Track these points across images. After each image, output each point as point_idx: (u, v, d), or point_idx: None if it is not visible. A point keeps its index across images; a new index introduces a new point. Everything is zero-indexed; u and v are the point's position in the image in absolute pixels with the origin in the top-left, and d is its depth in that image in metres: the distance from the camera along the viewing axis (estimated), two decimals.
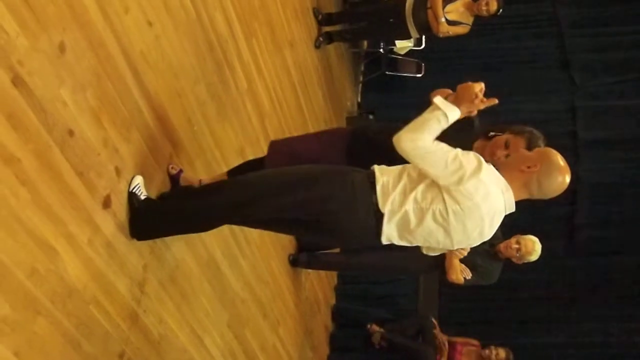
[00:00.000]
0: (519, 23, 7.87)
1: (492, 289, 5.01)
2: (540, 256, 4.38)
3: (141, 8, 2.94)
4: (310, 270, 5.37)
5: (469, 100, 2.49)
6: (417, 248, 4.50)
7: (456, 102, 2.48)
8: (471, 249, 4.44)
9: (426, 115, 2.45)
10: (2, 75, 2.01)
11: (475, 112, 2.58)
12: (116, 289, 2.58)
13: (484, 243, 4.40)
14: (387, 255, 4.83)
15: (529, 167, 2.54)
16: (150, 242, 2.86)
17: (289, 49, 5.27)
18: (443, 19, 5.60)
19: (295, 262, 4.99)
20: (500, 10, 5.61)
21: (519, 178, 2.55)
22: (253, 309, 4.12)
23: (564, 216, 7.23)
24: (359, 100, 8.16)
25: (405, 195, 2.51)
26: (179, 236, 3.13)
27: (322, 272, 5.82)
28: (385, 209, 2.52)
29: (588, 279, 7.00)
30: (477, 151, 2.92)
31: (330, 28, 6.39)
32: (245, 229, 4.02)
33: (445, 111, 2.43)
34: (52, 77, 2.25)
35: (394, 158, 2.53)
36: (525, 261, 4.34)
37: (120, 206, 2.64)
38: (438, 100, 2.46)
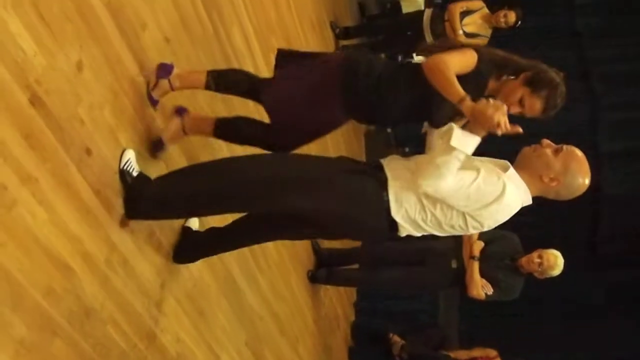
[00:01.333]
0: (537, 34, 7.81)
1: (512, 303, 4.93)
2: (562, 270, 4.32)
3: (158, 24, 2.93)
4: (329, 286, 5.33)
5: (488, 127, 2.36)
6: (438, 264, 4.44)
7: (476, 127, 2.39)
8: (493, 264, 4.40)
9: (444, 156, 2.37)
10: (19, 95, 2.00)
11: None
12: (133, 308, 2.56)
13: (504, 258, 4.41)
14: (406, 271, 4.78)
15: (551, 179, 2.52)
16: (167, 260, 2.84)
17: None
18: (461, 32, 5.57)
19: (314, 278, 4.95)
20: (519, 22, 5.58)
21: (538, 185, 2.55)
22: (271, 326, 4.08)
23: (585, 229, 7.15)
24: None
25: (422, 209, 2.48)
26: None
27: (341, 288, 5.77)
28: (399, 216, 2.49)
29: (610, 293, 6.90)
30: (490, 92, 2.75)
31: (348, 41, 6.38)
32: (263, 245, 3.99)
33: (465, 150, 2.36)
34: (69, 95, 2.24)
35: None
36: (548, 276, 4.28)
37: (138, 224, 2.62)
38: (455, 140, 2.34)
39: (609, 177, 7.05)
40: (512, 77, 2.73)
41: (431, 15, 5.78)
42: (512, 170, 2.53)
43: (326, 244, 5.30)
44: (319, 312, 5.20)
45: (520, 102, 2.68)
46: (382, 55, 7.68)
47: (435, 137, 2.52)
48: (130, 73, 2.67)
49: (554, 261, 4.24)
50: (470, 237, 4.54)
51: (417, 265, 4.76)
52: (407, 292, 6.11)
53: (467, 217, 2.47)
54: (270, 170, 2.55)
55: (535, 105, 2.67)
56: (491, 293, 4.31)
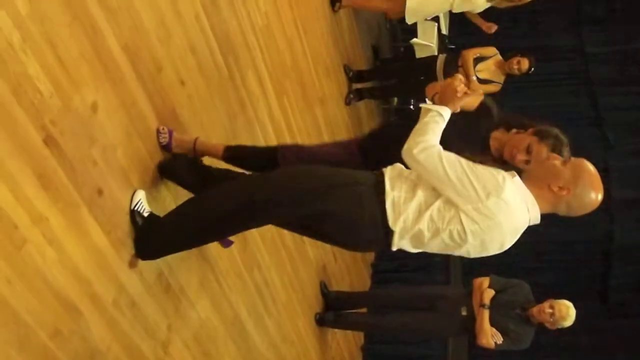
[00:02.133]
0: (550, 81, 7.86)
1: (522, 352, 4.86)
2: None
3: (174, 67, 2.97)
4: (336, 330, 5.28)
5: (451, 98, 2.43)
6: (447, 311, 4.39)
7: (442, 102, 2.44)
8: (504, 313, 4.35)
9: (422, 120, 2.40)
10: (34, 135, 2.03)
11: (474, 105, 2.59)
12: (140, 350, 2.54)
13: (515, 307, 4.35)
14: (416, 317, 4.73)
15: (560, 188, 2.39)
16: (175, 301, 2.83)
17: (320, 106, 5.30)
18: (474, 78, 5.59)
19: (322, 321, 4.90)
20: (532, 68, 5.59)
21: (547, 197, 2.41)
22: None
23: (597, 278, 7.09)
24: None
25: (420, 213, 2.38)
26: (205, 295, 3.11)
27: (349, 332, 5.71)
28: (397, 227, 2.40)
29: (622, 343, 6.80)
30: (494, 142, 2.86)
31: (361, 85, 6.43)
32: (271, 286, 3.98)
33: (438, 110, 2.39)
34: (83, 136, 2.26)
35: None
36: (559, 327, 4.22)
37: (147, 265, 2.62)
38: (424, 105, 2.44)
39: (621, 225, 7.01)
40: (521, 130, 2.81)
41: (445, 60, 5.81)
42: (518, 178, 2.42)
43: (335, 286, 5.27)
44: (326, 355, 5.14)
45: (528, 149, 2.71)
46: (395, 100, 7.78)
47: None
48: (145, 115, 2.69)
49: (566, 312, 4.18)
50: (480, 284, 4.50)
51: (426, 311, 4.71)
52: (415, 338, 6.03)
53: (462, 217, 2.33)
54: (276, 182, 2.56)
55: (542, 152, 2.67)
56: (501, 342, 4.25)
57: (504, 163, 2.77)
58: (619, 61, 7.92)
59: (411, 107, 7.55)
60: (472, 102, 2.92)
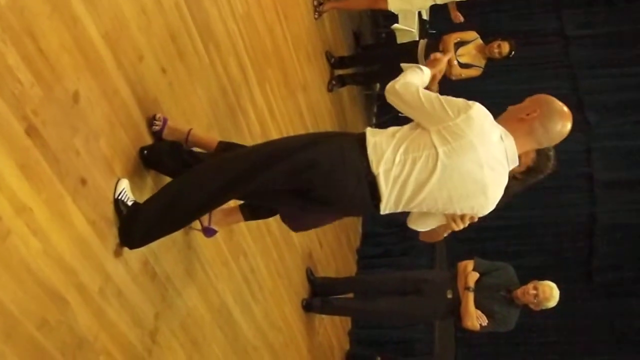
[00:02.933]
0: (531, 65, 7.89)
1: (509, 333, 4.92)
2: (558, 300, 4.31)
3: (155, 55, 2.96)
4: (323, 315, 5.30)
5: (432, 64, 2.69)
6: (433, 294, 4.42)
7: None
8: (488, 295, 4.39)
9: (405, 71, 2.60)
10: (16, 126, 2.02)
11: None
12: (127, 339, 2.55)
13: (499, 289, 4.39)
14: (402, 301, 4.77)
15: (528, 115, 2.43)
16: (161, 290, 2.84)
17: (302, 92, 5.30)
18: (455, 62, 5.61)
19: (308, 307, 4.92)
20: (513, 52, 5.63)
21: (521, 127, 2.44)
22: (266, 356, 4.05)
23: (581, 258, 7.16)
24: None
25: (397, 148, 2.42)
26: (191, 283, 3.11)
27: (336, 317, 5.74)
28: (380, 169, 2.41)
29: (606, 322, 6.89)
30: None
31: (343, 71, 6.43)
32: (257, 273, 3.99)
33: (418, 66, 2.61)
34: (65, 126, 2.26)
35: None
36: (543, 307, 4.27)
37: (132, 253, 2.62)
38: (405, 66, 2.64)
39: (604, 206, 7.08)
40: None
41: (426, 45, 5.82)
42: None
43: (321, 272, 5.30)
44: (314, 341, 5.17)
45: None
46: (377, 86, 7.79)
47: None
48: (127, 104, 2.68)
49: (550, 293, 4.24)
50: (465, 267, 4.54)
51: (412, 295, 4.75)
52: (402, 322, 6.08)
53: (434, 137, 2.37)
54: (263, 149, 2.65)
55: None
56: (486, 324, 4.30)
57: None
58: (599, 44, 7.96)
59: None
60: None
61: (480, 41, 5.69)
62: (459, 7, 6.11)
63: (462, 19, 6.09)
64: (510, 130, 2.43)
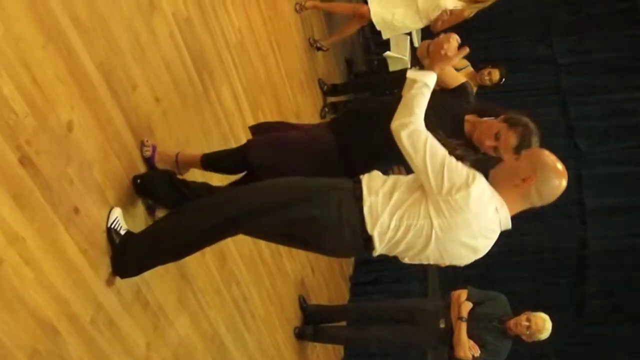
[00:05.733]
0: (522, 92, 7.94)
1: None
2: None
3: (149, 84, 2.98)
4: (316, 343, 5.28)
5: (440, 58, 2.50)
6: (426, 323, 4.40)
7: (431, 63, 2.49)
8: (481, 325, 4.39)
9: (408, 94, 2.44)
10: (9, 155, 2.02)
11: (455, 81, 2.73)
12: None
13: (492, 320, 4.38)
14: (394, 329, 4.74)
15: (524, 181, 2.40)
16: (154, 319, 2.82)
17: (295, 119, 5.32)
18: None
19: (301, 335, 4.90)
20: (503, 79, 5.67)
21: (515, 192, 2.42)
22: None
23: (572, 285, 7.16)
24: None
25: (393, 214, 2.41)
26: (184, 311, 3.10)
27: (329, 345, 5.71)
28: (375, 231, 2.42)
29: (599, 349, 6.87)
30: (467, 125, 2.89)
31: (336, 98, 6.47)
32: (250, 301, 3.98)
33: (424, 81, 2.44)
34: (59, 155, 2.26)
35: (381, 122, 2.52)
36: (535, 339, 4.26)
37: (124, 283, 2.61)
38: (410, 73, 2.47)
39: (595, 233, 7.10)
40: (492, 118, 2.84)
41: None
42: (485, 180, 2.43)
43: (313, 300, 5.28)
44: None
45: (496, 136, 2.74)
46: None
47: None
48: (120, 133, 2.70)
49: (542, 325, 4.22)
50: (458, 297, 4.54)
51: (405, 323, 4.73)
52: (394, 351, 6.05)
53: (431, 209, 2.36)
54: (256, 194, 2.58)
55: (509, 139, 2.71)
56: (478, 355, 4.28)
57: (474, 148, 2.81)
58: (590, 71, 8.04)
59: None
60: (454, 77, 2.98)
61: (471, 69, 5.74)
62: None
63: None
64: (504, 194, 2.42)
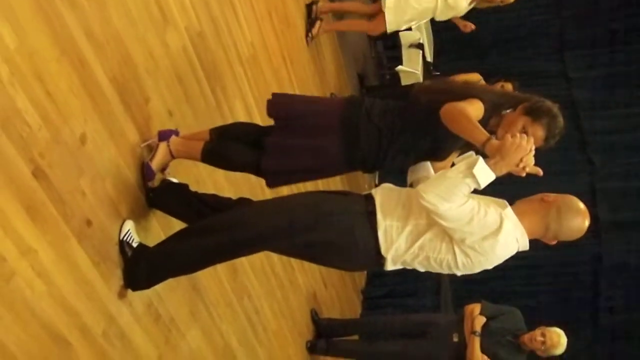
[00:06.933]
0: None
1: None
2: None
3: (162, 98, 2.99)
4: (328, 357, 5.25)
5: (511, 167, 2.29)
6: (439, 337, 4.35)
7: (499, 165, 2.28)
8: (495, 340, 4.35)
9: (459, 177, 2.28)
10: (22, 168, 2.03)
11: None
12: None
13: (506, 334, 4.35)
14: (407, 344, 4.71)
15: (549, 201, 2.48)
16: (165, 332, 2.82)
17: None
18: None
19: (313, 348, 4.88)
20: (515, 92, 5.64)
21: (538, 211, 2.47)
22: None
23: (586, 300, 7.10)
24: (377, 182, 8.18)
25: (412, 242, 2.44)
26: (195, 324, 3.10)
27: (341, 359, 5.68)
28: (389, 255, 2.47)
29: None
30: (491, 128, 2.72)
31: None
32: (262, 315, 3.97)
33: (480, 181, 2.27)
34: (72, 168, 2.27)
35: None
36: (550, 355, 4.22)
37: (136, 295, 2.62)
38: (477, 169, 2.26)
39: (609, 247, 7.04)
40: (510, 110, 2.74)
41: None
42: (509, 209, 2.45)
43: (325, 313, 5.26)
44: None
45: (523, 132, 2.62)
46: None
47: (457, 159, 2.44)
48: (133, 146, 2.71)
49: (558, 340, 4.19)
50: (472, 311, 4.51)
51: (417, 338, 4.71)
52: None
53: (457, 251, 2.41)
54: (266, 216, 2.58)
55: (537, 133, 2.64)
56: None
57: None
58: (603, 85, 8.02)
59: None
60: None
61: (483, 83, 5.72)
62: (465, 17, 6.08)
63: (472, 26, 6.00)
64: (529, 210, 2.48)
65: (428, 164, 2.83)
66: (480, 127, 2.46)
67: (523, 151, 2.26)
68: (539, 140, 2.66)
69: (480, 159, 2.28)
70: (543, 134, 2.66)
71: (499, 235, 2.37)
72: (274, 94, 3.05)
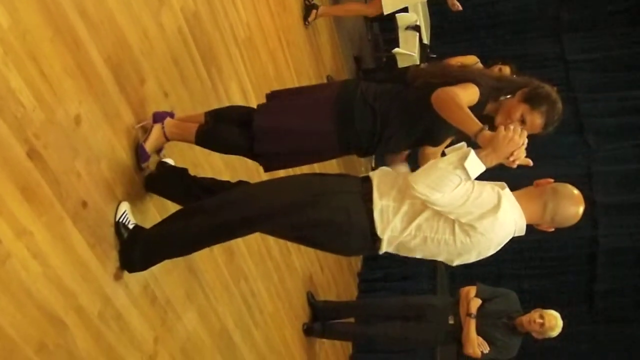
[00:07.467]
0: None
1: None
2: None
3: (157, 80, 2.97)
4: (324, 340, 5.27)
5: (502, 159, 2.29)
6: (435, 320, 4.35)
7: (490, 157, 2.27)
8: (490, 322, 4.37)
9: (449, 169, 2.28)
10: (17, 149, 2.02)
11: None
12: None
13: (502, 316, 4.37)
14: (403, 326, 4.73)
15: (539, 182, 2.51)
16: (161, 313, 2.82)
17: None
18: None
19: (309, 331, 4.89)
20: (513, 76, 5.62)
21: (533, 192, 2.50)
22: None
23: (582, 282, 7.13)
24: (373, 165, 8.18)
25: (408, 222, 2.42)
26: (192, 306, 3.10)
27: (337, 342, 5.70)
28: (385, 236, 2.44)
29: (609, 347, 6.84)
30: (488, 113, 2.73)
31: None
32: (258, 297, 3.97)
33: (470, 173, 2.26)
34: (67, 149, 2.26)
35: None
36: (546, 337, 4.24)
37: (133, 277, 2.61)
38: (469, 163, 2.25)
39: (605, 230, 7.06)
40: (509, 97, 2.72)
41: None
42: (507, 190, 2.46)
43: (322, 296, 5.27)
44: None
45: (522, 120, 2.64)
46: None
47: (447, 150, 2.42)
48: (128, 127, 2.69)
49: (555, 322, 4.21)
50: (467, 294, 4.52)
51: (413, 320, 4.72)
52: (403, 347, 6.03)
53: (456, 228, 2.39)
54: (264, 196, 2.57)
55: (536, 121, 2.64)
56: (487, 352, 4.27)
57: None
58: (600, 68, 8.00)
59: None
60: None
61: (480, 65, 5.70)
62: None
63: (460, 7, 6.08)
64: (524, 194, 2.50)
65: (405, 167, 2.83)
66: (472, 116, 2.43)
67: (515, 145, 2.26)
68: (538, 128, 2.66)
69: (472, 151, 2.28)
70: (542, 122, 2.65)
71: (498, 213, 2.36)
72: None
